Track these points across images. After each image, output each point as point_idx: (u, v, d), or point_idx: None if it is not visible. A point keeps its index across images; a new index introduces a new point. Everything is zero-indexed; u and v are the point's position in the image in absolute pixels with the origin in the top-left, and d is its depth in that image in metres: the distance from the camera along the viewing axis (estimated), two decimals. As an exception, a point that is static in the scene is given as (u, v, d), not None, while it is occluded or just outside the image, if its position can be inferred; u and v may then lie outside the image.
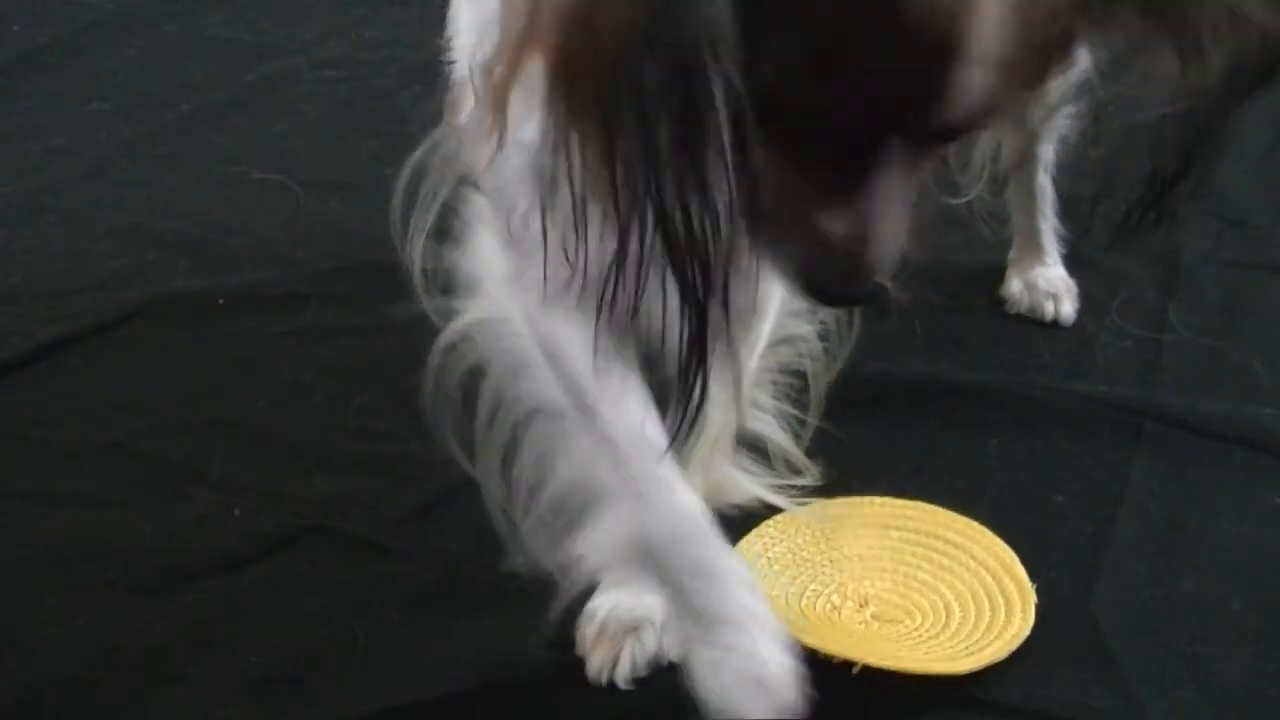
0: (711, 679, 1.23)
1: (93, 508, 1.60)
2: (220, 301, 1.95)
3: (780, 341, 1.46)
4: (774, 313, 1.43)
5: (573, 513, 1.30)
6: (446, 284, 1.32)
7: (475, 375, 1.32)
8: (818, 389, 1.51)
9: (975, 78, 0.95)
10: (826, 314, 1.48)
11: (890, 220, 1.03)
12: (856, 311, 1.50)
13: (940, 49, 0.93)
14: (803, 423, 1.52)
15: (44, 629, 1.44)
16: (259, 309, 1.93)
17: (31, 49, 2.69)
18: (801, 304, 1.44)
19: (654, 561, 1.26)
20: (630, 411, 1.25)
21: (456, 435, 1.35)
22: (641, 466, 1.24)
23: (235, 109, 2.50)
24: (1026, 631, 1.43)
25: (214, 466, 1.65)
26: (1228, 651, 1.45)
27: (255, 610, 1.47)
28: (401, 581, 1.51)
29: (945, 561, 1.52)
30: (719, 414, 1.40)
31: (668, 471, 1.25)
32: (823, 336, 1.49)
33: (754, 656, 1.23)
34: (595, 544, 1.29)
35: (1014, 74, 0.97)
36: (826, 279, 1.07)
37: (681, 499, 1.25)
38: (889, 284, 1.10)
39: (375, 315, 1.77)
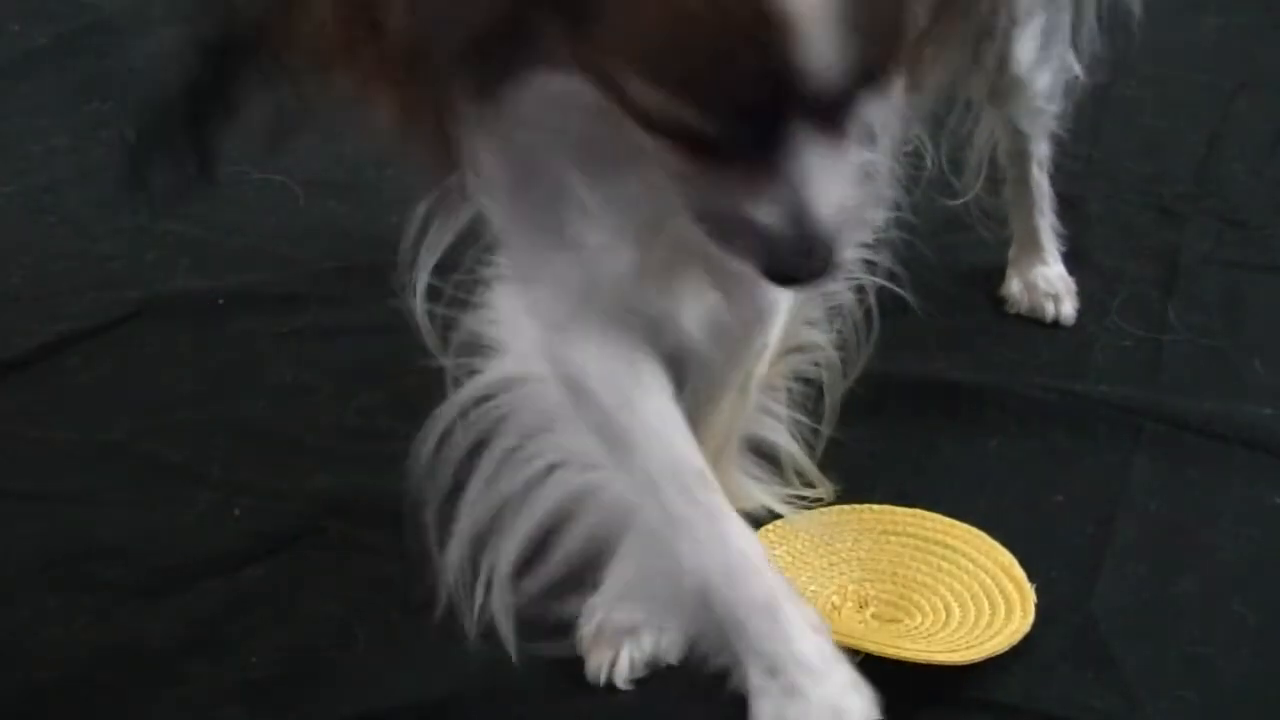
0: None
1: (93, 508, 1.60)
2: (220, 301, 1.95)
3: (793, 349, 1.43)
4: (784, 318, 1.37)
5: (592, 566, 1.23)
6: (461, 342, 1.29)
7: (482, 440, 1.27)
8: (833, 399, 1.50)
9: (815, 41, 0.89)
10: (844, 322, 1.46)
11: (824, 195, 0.97)
12: (874, 318, 1.49)
13: (757, 21, 0.88)
14: (815, 432, 1.51)
15: (44, 629, 1.44)
16: (259, 309, 1.93)
17: (31, 49, 2.69)
18: (814, 312, 1.41)
19: (711, 603, 1.18)
20: (671, 443, 1.18)
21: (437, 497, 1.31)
22: (689, 502, 1.17)
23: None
24: (1027, 628, 1.43)
25: (214, 466, 1.65)
26: (1228, 651, 1.44)
27: (255, 610, 1.47)
28: (401, 582, 1.51)
29: (944, 564, 1.52)
30: (724, 420, 1.38)
31: (718, 504, 1.18)
32: (839, 346, 1.48)
33: (836, 708, 1.16)
34: (633, 591, 1.23)
35: (869, 30, 0.90)
36: (779, 263, 1.01)
37: (737, 533, 1.18)
38: (847, 257, 1.06)
39: (375, 315, 1.77)
